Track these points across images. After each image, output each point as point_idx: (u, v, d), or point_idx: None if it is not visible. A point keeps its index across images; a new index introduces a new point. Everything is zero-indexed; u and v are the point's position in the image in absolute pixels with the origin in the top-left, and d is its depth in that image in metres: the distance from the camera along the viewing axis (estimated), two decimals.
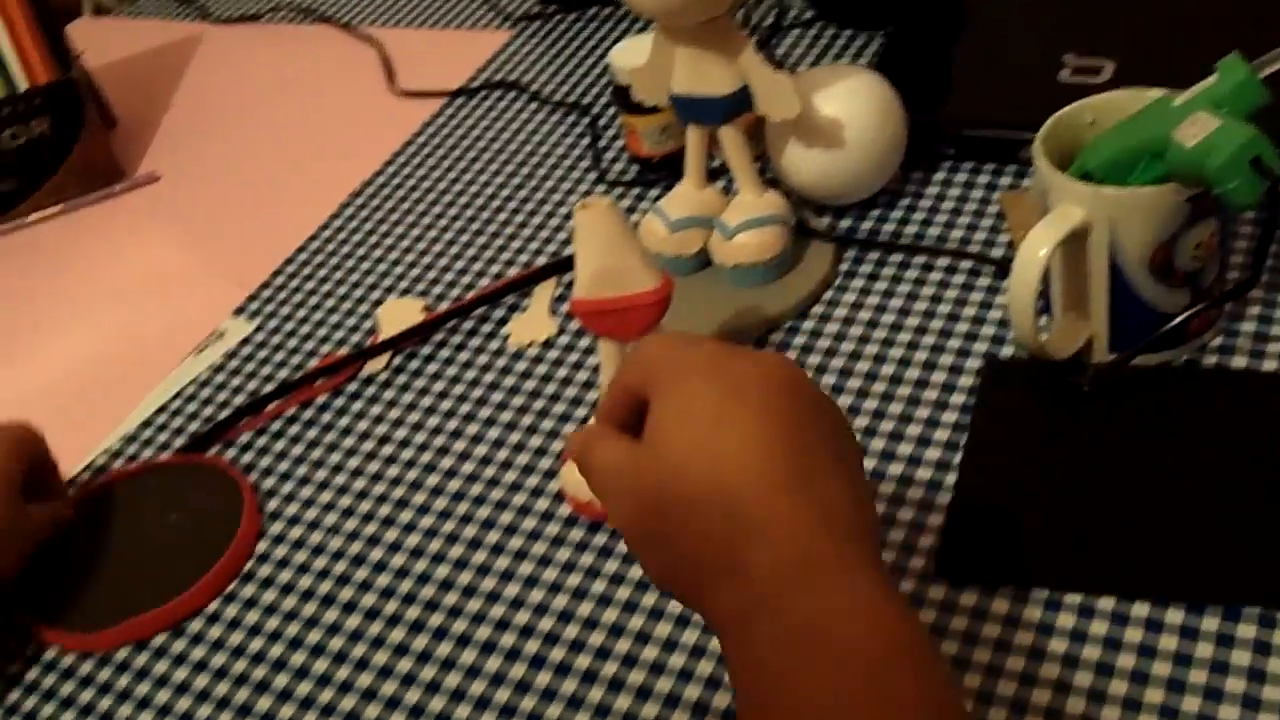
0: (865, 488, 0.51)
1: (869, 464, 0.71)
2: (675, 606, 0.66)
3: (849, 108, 0.82)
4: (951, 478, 0.69)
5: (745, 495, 0.47)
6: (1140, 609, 0.61)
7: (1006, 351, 0.75)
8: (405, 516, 0.76)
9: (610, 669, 0.65)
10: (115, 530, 0.79)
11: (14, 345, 0.99)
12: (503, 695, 0.65)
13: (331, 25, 1.29)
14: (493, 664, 0.67)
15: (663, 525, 0.49)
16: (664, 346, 0.53)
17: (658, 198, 0.88)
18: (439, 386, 0.83)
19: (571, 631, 0.67)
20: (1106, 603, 0.62)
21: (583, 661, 0.65)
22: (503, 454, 0.78)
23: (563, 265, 0.89)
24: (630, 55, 0.90)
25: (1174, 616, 0.60)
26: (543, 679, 0.65)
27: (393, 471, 0.79)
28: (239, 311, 0.95)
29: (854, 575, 0.46)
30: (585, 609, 0.68)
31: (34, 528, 0.76)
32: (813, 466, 0.48)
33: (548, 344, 0.85)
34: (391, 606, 0.71)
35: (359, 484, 0.78)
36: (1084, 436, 0.69)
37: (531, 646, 0.67)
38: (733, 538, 0.47)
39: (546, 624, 0.68)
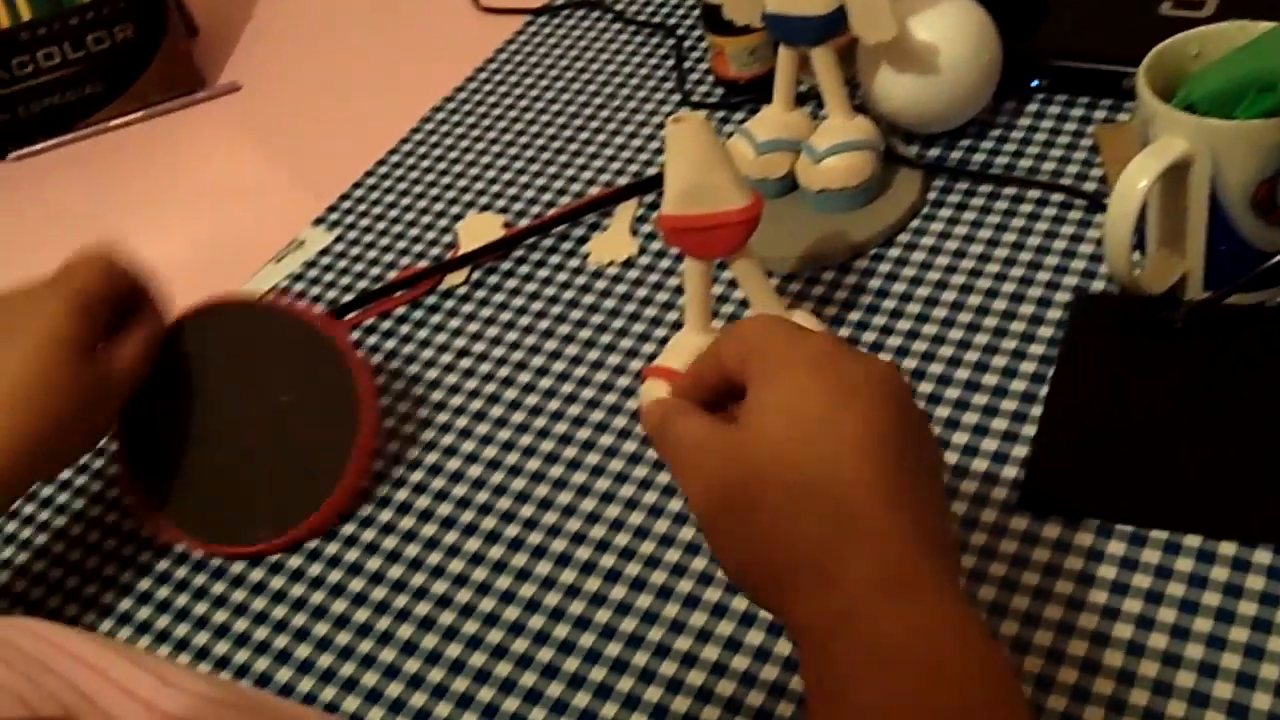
0: (946, 502, 0.51)
1: (954, 394, 0.70)
2: None
3: (944, 33, 0.80)
4: (1037, 410, 0.68)
5: (850, 501, 0.46)
6: (1227, 548, 0.60)
7: (1096, 287, 0.74)
8: (483, 429, 0.76)
9: (685, 586, 0.65)
10: (223, 402, 0.73)
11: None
12: (603, 616, 0.65)
13: None
14: (587, 582, 0.67)
15: (751, 515, 0.48)
16: (770, 331, 0.51)
17: (742, 121, 0.87)
18: (518, 302, 0.83)
19: (648, 548, 0.67)
20: (1192, 540, 0.61)
21: (658, 577, 0.66)
22: (581, 370, 0.77)
23: (644, 186, 0.89)
24: None
25: (1261, 557, 0.60)
26: (633, 598, 0.65)
27: (470, 384, 0.79)
28: (319, 221, 0.95)
29: (942, 594, 0.46)
30: (661, 526, 0.68)
31: (110, 383, 0.70)
32: (911, 482, 0.47)
33: (628, 263, 0.84)
34: (471, 518, 0.71)
35: (436, 395, 0.79)
36: (1173, 374, 0.68)
37: (611, 561, 0.67)
38: (830, 542, 0.46)
39: (623, 539, 0.68)
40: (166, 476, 0.73)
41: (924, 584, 0.45)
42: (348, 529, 0.72)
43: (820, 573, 0.46)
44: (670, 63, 1.01)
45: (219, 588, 0.71)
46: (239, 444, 0.73)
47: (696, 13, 1.04)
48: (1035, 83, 0.87)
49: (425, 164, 0.98)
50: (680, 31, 1.03)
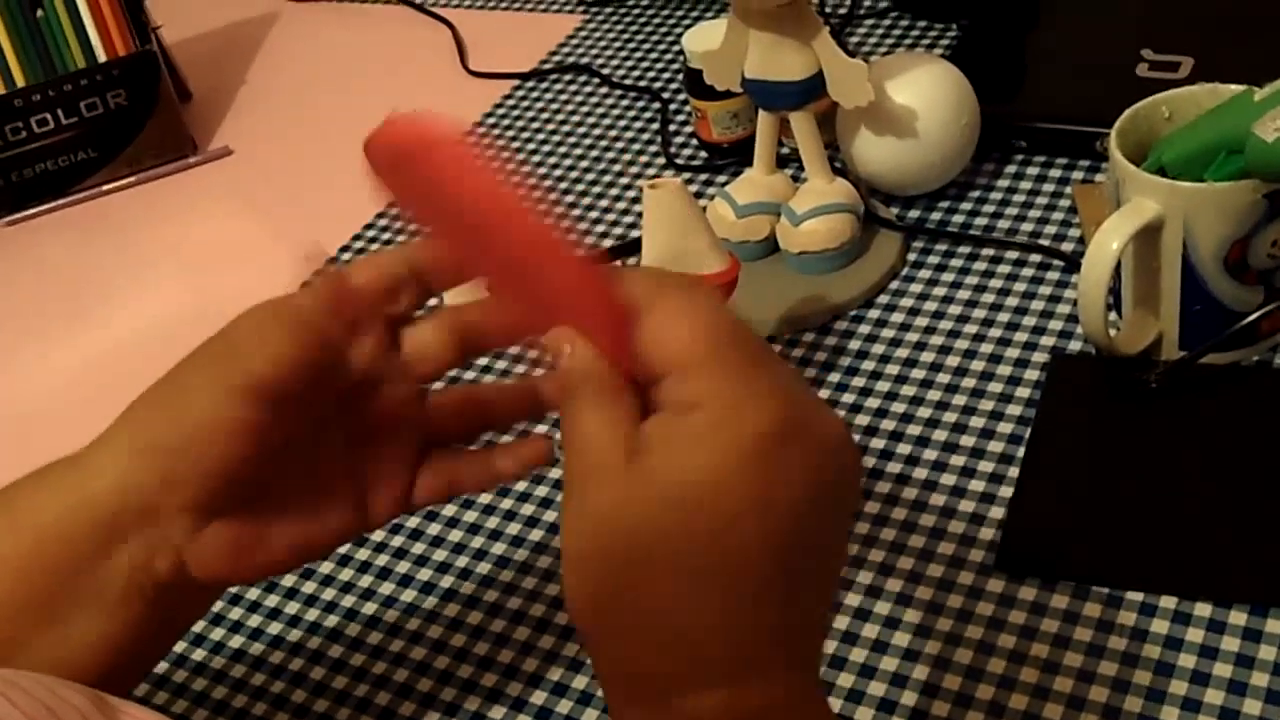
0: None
1: (932, 455, 0.70)
2: None
3: (922, 97, 0.81)
4: (1014, 471, 0.68)
5: (743, 629, 0.41)
6: (1203, 609, 0.60)
7: (1074, 346, 0.74)
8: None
9: None
10: None
11: (84, 312, 1.01)
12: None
13: (405, 5, 1.29)
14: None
15: (606, 585, 0.42)
16: (736, 334, 0.42)
17: (725, 184, 0.88)
18: (500, 365, 0.84)
19: None
20: (1168, 602, 0.61)
21: None
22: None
23: (628, 248, 0.89)
24: (703, 39, 0.90)
25: (1237, 618, 0.60)
26: None
27: None
28: (307, 285, 0.95)
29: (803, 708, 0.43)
30: None
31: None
32: (812, 587, 0.43)
33: None
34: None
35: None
36: (1150, 434, 0.68)
37: None
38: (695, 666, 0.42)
39: None
40: None
41: (781, 705, 0.42)
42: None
43: (674, 691, 0.42)
44: (655, 126, 1.02)
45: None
46: None
47: (681, 77, 1.05)
48: (1014, 144, 0.88)
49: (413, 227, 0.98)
50: (665, 95, 1.05)
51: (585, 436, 0.42)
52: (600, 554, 0.41)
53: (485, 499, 0.75)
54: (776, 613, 0.42)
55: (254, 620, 0.72)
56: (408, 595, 0.71)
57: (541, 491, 0.74)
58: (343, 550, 0.73)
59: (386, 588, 0.71)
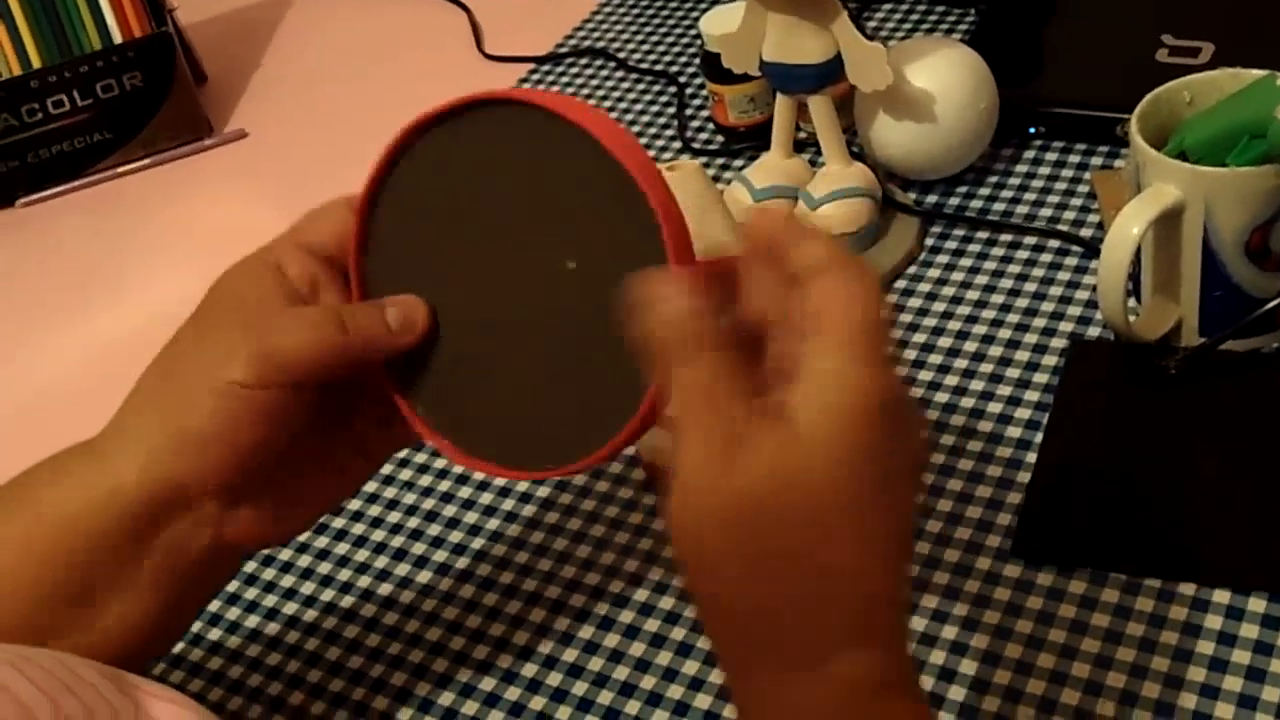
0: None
1: (949, 440, 0.70)
2: None
3: (941, 81, 0.81)
4: (1032, 457, 0.68)
5: (883, 585, 0.43)
6: (1221, 596, 0.60)
7: (1093, 332, 0.74)
8: (478, 475, 0.76)
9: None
10: (487, 258, 0.51)
11: (98, 293, 1.01)
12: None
13: None
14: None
15: (774, 544, 0.41)
16: (881, 322, 0.42)
17: (741, 168, 0.87)
18: None
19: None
20: (1187, 588, 0.61)
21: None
22: None
23: None
24: (720, 23, 0.89)
25: (1256, 605, 0.59)
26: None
27: None
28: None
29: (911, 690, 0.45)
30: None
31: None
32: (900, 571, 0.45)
33: None
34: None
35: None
36: (1169, 421, 0.67)
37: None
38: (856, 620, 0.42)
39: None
40: (414, 359, 0.54)
41: (897, 689, 0.43)
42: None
43: (825, 656, 0.42)
44: (671, 110, 1.02)
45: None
46: (510, 323, 0.51)
47: (698, 61, 1.05)
48: (1032, 129, 0.88)
49: None
50: (681, 79, 1.04)
51: (712, 395, 0.41)
52: (761, 509, 0.40)
53: (487, 500, 0.75)
54: (905, 583, 0.44)
55: (269, 600, 0.72)
56: (423, 576, 0.71)
57: (542, 493, 0.74)
58: (357, 530, 0.73)
59: (403, 568, 0.72)
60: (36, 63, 1.11)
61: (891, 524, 0.42)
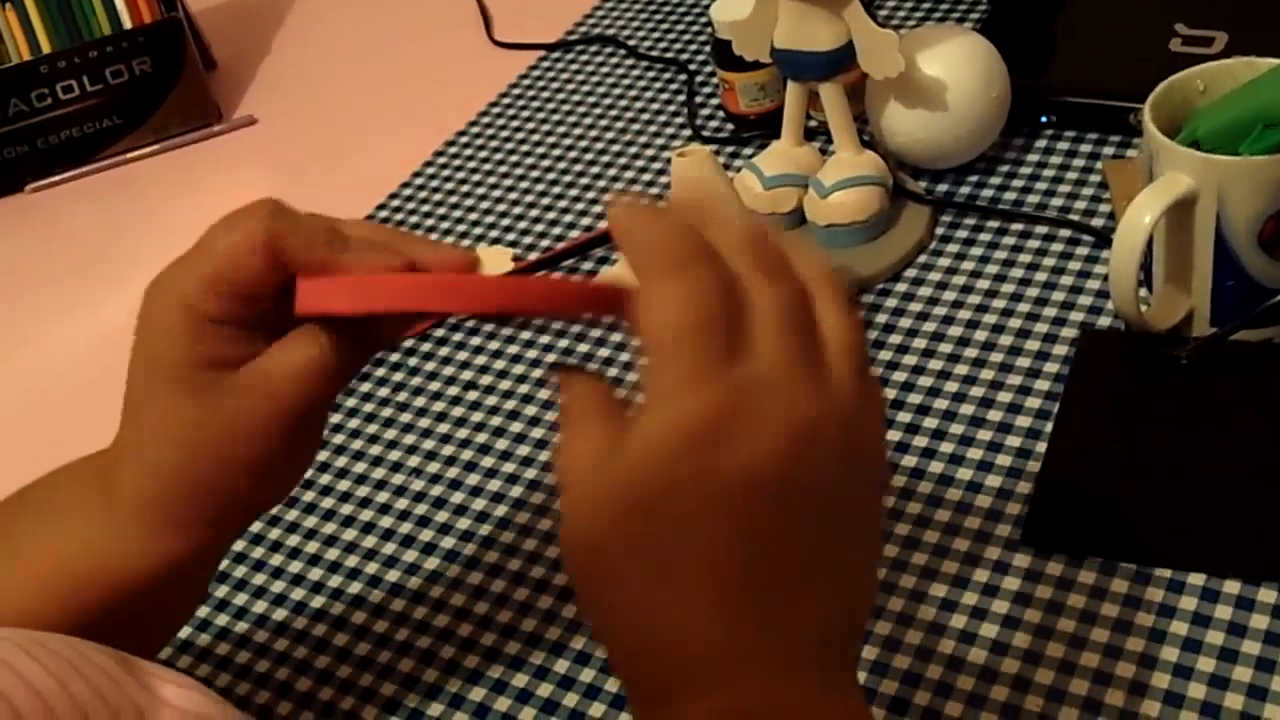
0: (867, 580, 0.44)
1: (959, 429, 0.70)
2: None
3: (952, 69, 0.80)
4: (1042, 446, 0.68)
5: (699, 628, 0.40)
6: (1231, 586, 0.60)
7: (1103, 322, 0.73)
8: (487, 462, 0.76)
9: None
10: None
11: (107, 279, 1.01)
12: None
13: None
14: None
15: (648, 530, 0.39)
16: (703, 318, 0.39)
17: (751, 156, 0.87)
18: (525, 335, 0.84)
19: None
20: (1196, 578, 0.60)
21: None
22: None
23: None
24: (731, 10, 0.89)
25: (1266, 595, 0.59)
26: None
27: (476, 416, 0.79)
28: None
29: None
30: None
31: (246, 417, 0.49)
32: (805, 585, 0.41)
33: None
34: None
35: (443, 427, 0.79)
36: (1179, 411, 0.67)
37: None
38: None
39: None
40: None
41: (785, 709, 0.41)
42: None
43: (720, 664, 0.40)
44: (681, 98, 1.01)
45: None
46: None
47: (708, 48, 1.05)
48: (1044, 118, 0.87)
49: (437, 197, 0.98)
50: (692, 67, 1.04)
51: (568, 455, 0.41)
52: (576, 556, 0.41)
53: (479, 504, 0.75)
54: (755, 610, 0.40)
55: (277, 586, 0.72)
56: (431, 562, 0.71)
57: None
58: (365, 517, 0.73)
59: (418, 557, 0.72)
60: (46, 48, 1.11)
61: (711, 554, 0.39)
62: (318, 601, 0.71)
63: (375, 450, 0.79)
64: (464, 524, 0.72)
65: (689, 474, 0.38)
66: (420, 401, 0.81)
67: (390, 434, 0.79)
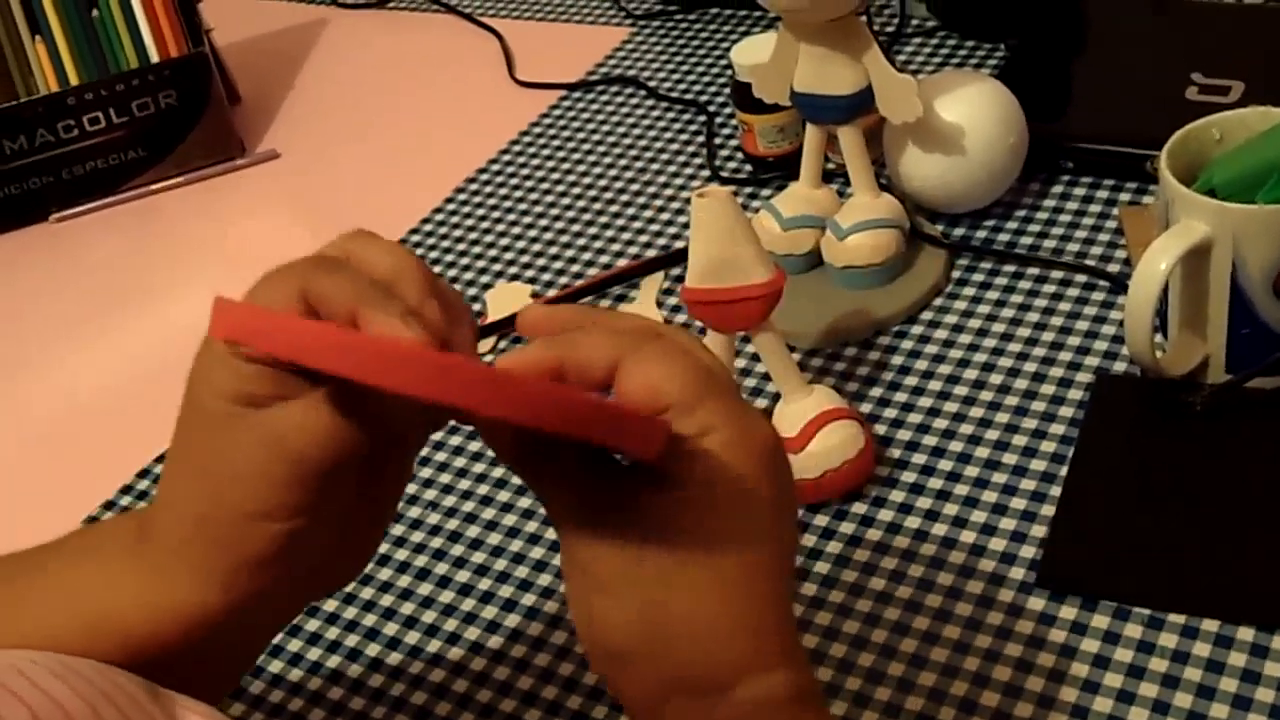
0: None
1: (974, 471, 0.70)
2: None
3: (970, 115, 0.81)
4: (1056, 490, 0.68)
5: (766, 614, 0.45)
6: (1245, 634, 0.60)
7: (1118, 367, 0.74)
8: (503, 496, 0.76)
9: None
10: None
11: (130, 310, 1.02)
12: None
13: (454, 14, 1.30)
14: None
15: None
16: (713, 368, 0.45)
17: (769, 197, 0.88)
18: None
19: None
20: (1210, 625, 0.60)
21: None
22: None
23: (671, 259, 0.90)
24: (751, 53, 0.90)
25: (1279, 643, 0.59)
26: None
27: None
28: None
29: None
30: None
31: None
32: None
33: None
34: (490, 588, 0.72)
35: (459, 461, 0.79)
36: (1194, 457, 0.67)
37: None
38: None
39: None
40: None
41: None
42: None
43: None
44: (701, 139, 1.02)
45: None
46: None
47: (728, 90, 1.06)
48: (1061, 164, 0.88)
49: (457, 233, 0.99)
50: (711, 108, 1.05)
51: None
52: (632, 577, 0.44)
53: (492, 539, 0.75)
54: (787, 604, 0.46)
55: (311, 624, 0.72)
56: (446, 595, 0.71)
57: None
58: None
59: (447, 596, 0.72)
60: (74, 80, 1.13)
61: (774, 551, 0.45)
62: (331, 633, 0.71)
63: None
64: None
65: (768, 484, 0.44)
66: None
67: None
